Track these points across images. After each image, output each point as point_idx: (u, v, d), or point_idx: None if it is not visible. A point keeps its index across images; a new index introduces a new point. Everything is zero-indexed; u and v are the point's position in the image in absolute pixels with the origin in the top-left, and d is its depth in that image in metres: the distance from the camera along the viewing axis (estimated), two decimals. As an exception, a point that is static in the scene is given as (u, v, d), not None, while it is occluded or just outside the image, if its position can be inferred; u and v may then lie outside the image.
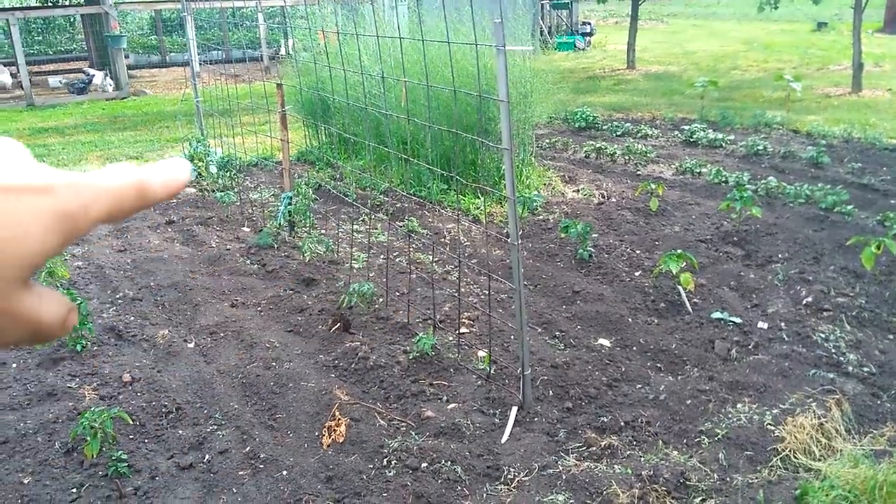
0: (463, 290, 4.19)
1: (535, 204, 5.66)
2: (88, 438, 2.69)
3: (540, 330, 3.90)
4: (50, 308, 0.40)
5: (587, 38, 16.60)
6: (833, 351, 3.64)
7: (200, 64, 8.29)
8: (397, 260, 4.78)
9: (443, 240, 5.19)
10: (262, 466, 2.85)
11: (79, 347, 3.60)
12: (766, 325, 3.94)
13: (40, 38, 17.18)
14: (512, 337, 3.76)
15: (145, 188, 0.42)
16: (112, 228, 5.45)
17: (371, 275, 4.44)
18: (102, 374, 3.43)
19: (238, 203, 5.79)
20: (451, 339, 3.73)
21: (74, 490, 2.72)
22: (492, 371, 3.43)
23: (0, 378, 3.42)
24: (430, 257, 4.72)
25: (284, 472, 2.81)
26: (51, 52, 16.76)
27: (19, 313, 0.38)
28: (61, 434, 2.98)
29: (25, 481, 2.75)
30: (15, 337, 0.39)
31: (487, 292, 3.93)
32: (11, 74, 12.88)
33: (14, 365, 3.54)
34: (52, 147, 8.35)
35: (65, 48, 17.26)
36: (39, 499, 2.67)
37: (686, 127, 8.11)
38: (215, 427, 3.08)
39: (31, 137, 9.01)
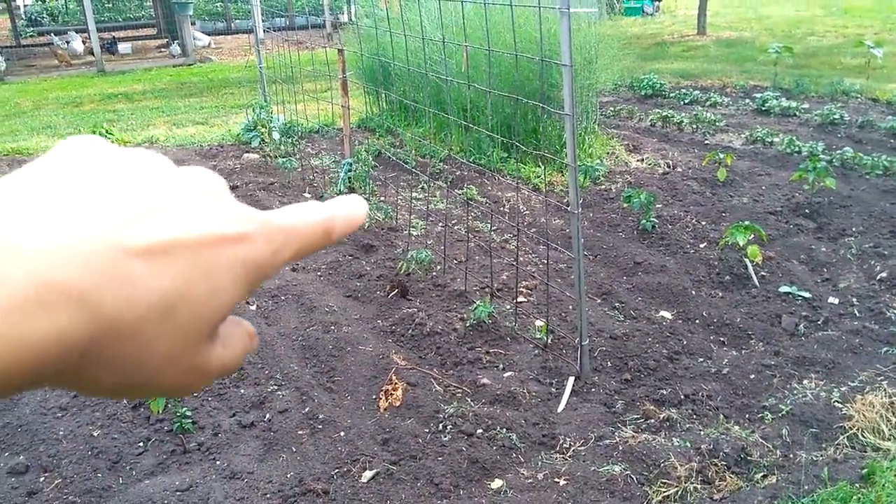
0: (521, 259, 4.16)
1: (597, 173, 5.56)
2: (154, 394, 2.77)
3: (599, 301, 3.85)
4: (234, 348, 0.38)
5: (656, 3, 16.11)
6: (908, 329, 3.49)
7: (264, 31, 8.35)
8: (455, 228, 4.77)
9: (502, 208, 5.14)
10: (320, 427, 2.89)
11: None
12: (836, 301, 3.80)
13: (110, 5, 17.59)
14: (570, 307, 3.71)
15: (331, 229, 0.40)
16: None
17: (429, 242, 4.44)
18: (168, 334, 3.52)
19: (299, 169, 5.85)
20: (508, 307, 3.71)
21: (141, 444, 2.82)
22: (549, 341, 3.40)
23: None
24: (489, 226, 4.69)
25: (342, 433, 2.85)
26: (120, 20, 17.14)
27: (207, 367, 0.36)
28: (129, 390, 3.08)
29: (95, 434, 2.86)
30: (201, 386, 0.37)
31: (546, 261, 3.89)
32: (82, 41, 13.22)
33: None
34: (122, 112, 8.57)
35: (133, 15, 17.63)
36: (108, 451, 2.78)
37: (758, 95, 7.81)
38: (276, 387, 3.14)
39: (102, 103, 9.27)
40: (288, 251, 0.38)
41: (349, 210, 0.41)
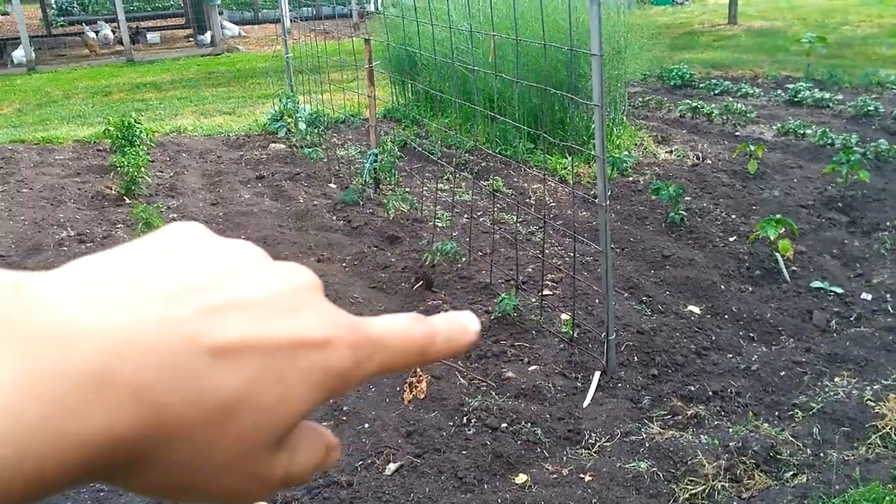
0: (547, 251, 4.12)
1: (624, 165, 5.49)
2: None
3: (626, 294, 3.80)
4: (305, 460, 0.35)
5: (685, -8, 15.87)
6: (944, 326, 3.41)
7: (291, 21, 8.37)
8: (481, 219, 4.74)
9: (528, 200, 5.11)
10: (344, 419, 2.90)
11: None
12: (869, 297, 3.72)
13: (139, -5, 17.74)
14: (597, 301, 3.68)
15: (428, 349, 0.36)
16: (206, 182, 5.61)
17: (454, 234, 4.42)
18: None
19: (325, 160, 5.85)
20: (533, 300, 3.68)
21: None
22: (575, 334, 3.37)
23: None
24: (515, 217, 4.66)
25: (366, 425, 2.85)
26: (149, 9, 17.29)
27: (268, 477, 0.33)
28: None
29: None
30: (261, 495, 0.34)
31: (573, 254, 3.85)
32: (112, 30, 13.35)
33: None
34: (150, 102, 8.64)
35: (162, 5, 17.76)
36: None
37: (790, 86, 7.67)
38: (300, 378, 3.14)
39: (131, 92, 9.35)
40: (374, 364, 0.35)
41: (454, 329, 0.38)
